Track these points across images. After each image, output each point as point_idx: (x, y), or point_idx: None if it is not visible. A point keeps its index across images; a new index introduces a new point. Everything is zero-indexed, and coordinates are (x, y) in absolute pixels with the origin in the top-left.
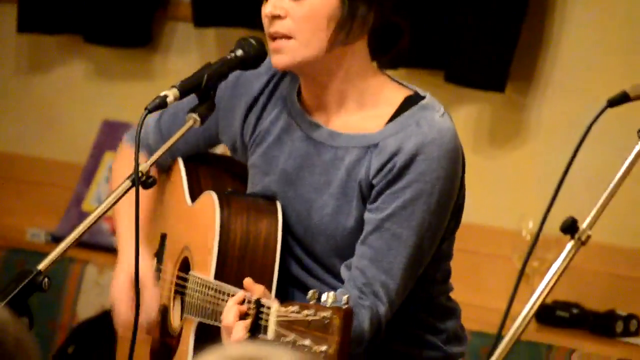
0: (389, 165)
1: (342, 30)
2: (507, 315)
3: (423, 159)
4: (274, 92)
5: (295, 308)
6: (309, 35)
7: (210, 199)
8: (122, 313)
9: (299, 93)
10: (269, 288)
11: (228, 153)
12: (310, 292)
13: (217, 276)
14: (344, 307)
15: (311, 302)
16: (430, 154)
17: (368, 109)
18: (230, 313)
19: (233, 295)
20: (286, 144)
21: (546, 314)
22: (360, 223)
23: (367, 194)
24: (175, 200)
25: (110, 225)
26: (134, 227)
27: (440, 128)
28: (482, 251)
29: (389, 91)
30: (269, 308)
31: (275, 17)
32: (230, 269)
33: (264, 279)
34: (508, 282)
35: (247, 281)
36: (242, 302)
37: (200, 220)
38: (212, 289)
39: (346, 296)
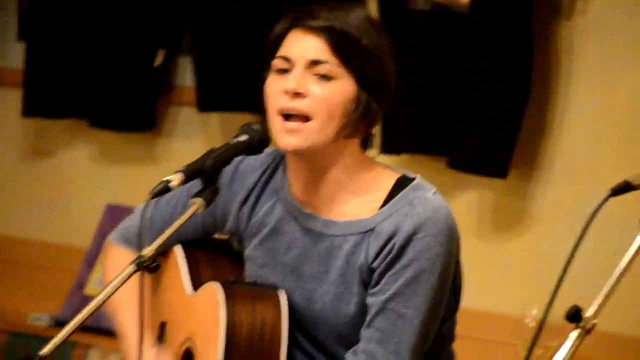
0: (388, 247)
1: (353, 121)
2: None
3: (421, 237)
4: (266, 185)
5: None
6: (325, 119)
7: (213, 289)
8: None
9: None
10: None
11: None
12: None
13: None
14: None
15: None
16: (428, 231)
17: (361, 195)
18: None
19: None
20: (282, 235)
21: None
22: (361, 309)
23: (367, 279)
24: (174, 287)
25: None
26: (135, 315)
27: (434, 206)
28: (485, 338)
29: (380, 177)
30: None
31: (296, 94)
32: None
33: None
34: None
35: None
36: None
37: (204, 312)
38: None
39: None
